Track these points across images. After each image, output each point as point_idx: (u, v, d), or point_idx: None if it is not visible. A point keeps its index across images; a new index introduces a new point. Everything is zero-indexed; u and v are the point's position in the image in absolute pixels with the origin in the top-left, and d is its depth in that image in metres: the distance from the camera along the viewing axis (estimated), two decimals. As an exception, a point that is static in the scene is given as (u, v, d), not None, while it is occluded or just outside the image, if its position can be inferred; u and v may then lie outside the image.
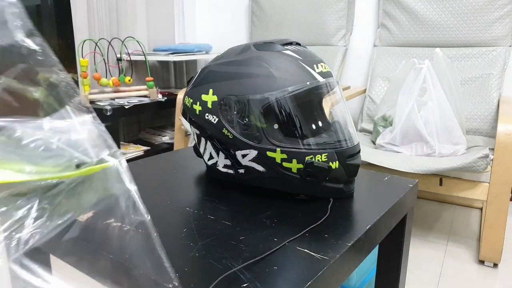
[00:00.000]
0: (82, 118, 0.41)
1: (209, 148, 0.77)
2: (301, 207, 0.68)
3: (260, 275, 0.49)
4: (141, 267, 0.41)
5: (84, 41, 2.03)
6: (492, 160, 1.39)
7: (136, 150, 2.17)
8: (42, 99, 0.39)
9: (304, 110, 0.72)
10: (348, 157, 0.69)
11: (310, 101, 0.77)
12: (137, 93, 2.16)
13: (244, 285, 0.47)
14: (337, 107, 0.76)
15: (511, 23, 1.80)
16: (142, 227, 0.40)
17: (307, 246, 0.55)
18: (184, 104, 0.79)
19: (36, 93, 0.39)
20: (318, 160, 0.67)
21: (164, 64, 2.69)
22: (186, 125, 0.80)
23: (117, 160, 0.40)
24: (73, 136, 0.39)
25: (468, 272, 1.44)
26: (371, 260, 1.19)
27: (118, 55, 2.20)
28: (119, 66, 2.22)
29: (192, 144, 0.86)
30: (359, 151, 0.72)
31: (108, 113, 1.90)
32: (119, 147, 2.02)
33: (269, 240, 0.57)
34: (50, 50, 0.38)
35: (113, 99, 2.09)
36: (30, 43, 0.37)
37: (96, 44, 2.06)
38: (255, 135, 0.69)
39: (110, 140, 0.41)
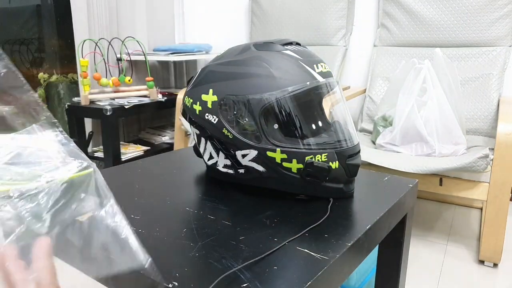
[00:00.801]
0: (48, 135, 0.41)
1: (209, 148, 0.77)
2: (301, 207, 0.68)
3: (260, 275, 0.49)
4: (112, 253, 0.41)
5: (84, 41, 2.03)
6: (492, 160, 1.39)
7: (136, 150, 2.17)
8: (10, 116, 0.40)
9: (304, 110, 0.72)
10: (348, 157, 0.69)
11: (310, 101, 0.77)
12: (137, 93, 2.16)
13: (244, 285, 0.47)
14: (337, 107, 0.76)
15: (511, 23, 1.80)
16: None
17: (307, 246, 0.55)
18: (184, 104, 0.79)
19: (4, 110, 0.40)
20: (318, 160, 0.67)
21: (164, 64, 2.69)
22: (186, 125, 0.80)
23: (90, 169, 0.41)
24: (40, 153, 0.40)
25: (468, 272, 1.44)
26: (371, 260, 1.19)
27: (118, 55, 2.20)
28: (119, 66, 2.22)
29: (192, 144, 0.86)
30: (359, 151, 0.72)
31: (108, 113, 1.90)
32: (119, 147, 2.02)
33: (269, 240, 0.57)
34: (17, 71, 0.39)
35: (113, 99, 2.09)
36: None
37: (96, 44, 2.06)
38: (255, 135, 0.69)
39: (82, 154, 0.42)
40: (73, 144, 0.42)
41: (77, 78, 2.19)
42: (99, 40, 2.11)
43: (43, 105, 0.41)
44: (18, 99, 0.39)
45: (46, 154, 0.40)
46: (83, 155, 0.42)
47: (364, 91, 2.11)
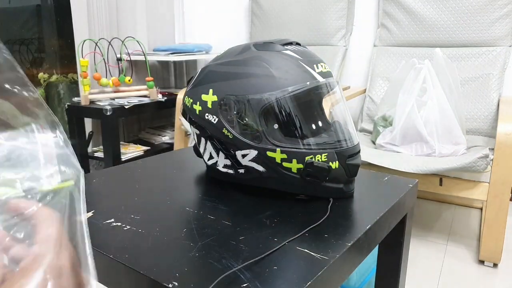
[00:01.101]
0: (45, 136, 0.38)
1: (209, 148, 0.77)
2: (301, 207, 0.68)
3: (260, 275, 0.49)
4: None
5: (84, 41, 2.03)
6: (492, 160, 1.39)
7: (136, 150, 2.17)
8: (8, 112, 0.38)
9: (304, 110, 0.72)
10: (348, 157, 0.69)
11: (310, 101, 0.77)
12: (137, 93, 2.16)
13: (244, 285, 0.47)
14: (337, 107, 0.76)
15: (511, 23, 1.80)
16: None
17: (307, 246, 0.55)
18: (184, 104, 0.79)
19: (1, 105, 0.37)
20: (318, 160, 0.67)
21: (164, 64, 2.69)
22: (186, 125, 0.80)
23: (70, 182, 0.38)
24: (29, 157, 0.37)
25: (468, 272, 1.44)
26: (371, 260, 1.19)
27: (118, 55, 2.20)
28: (119, 66, 2.22)
29: (192, 144, 0.86)
30: (359, 151, 0.72)
31: (108, 113, 1.90)
32: (119, 147, 2.02)
33: (269, 240, 0.57)
34: (17, 64, 0.37)
35: (113, 99, 2.09)
36: None
37: (96, 44, 2.06)
38: (255, 135, 0.69)
39: (75, 161, 0.39)
40: (70, 148, 0.40)
41: (77, 78, 2.19)
42: (99, 40, 2.11)
43: (43, 102, 0.39)
44: (16, 94, 0.38)
45: (35, 159, 0.38)
46: (76, 162, 0.39)
47: (364, 91, 2.11)
